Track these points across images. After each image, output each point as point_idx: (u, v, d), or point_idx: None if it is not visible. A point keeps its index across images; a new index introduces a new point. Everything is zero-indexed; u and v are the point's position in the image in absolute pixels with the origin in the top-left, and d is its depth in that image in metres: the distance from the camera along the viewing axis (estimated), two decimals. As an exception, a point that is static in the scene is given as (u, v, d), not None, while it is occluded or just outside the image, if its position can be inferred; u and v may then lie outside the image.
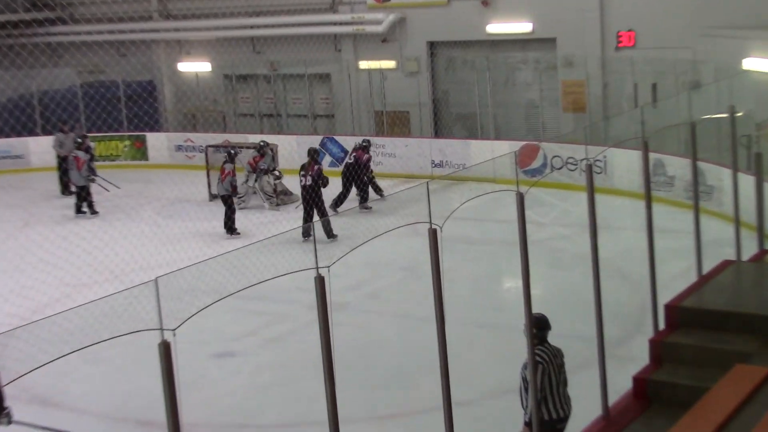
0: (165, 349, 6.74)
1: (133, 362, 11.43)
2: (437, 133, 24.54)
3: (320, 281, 6.82)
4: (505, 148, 20.07)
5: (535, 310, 7.53)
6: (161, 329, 7.65)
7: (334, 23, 25.94)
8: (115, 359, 11.64)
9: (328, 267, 7.36)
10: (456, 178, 18.78)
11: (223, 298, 9.27)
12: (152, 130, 27.35)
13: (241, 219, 18.32)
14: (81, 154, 20.31)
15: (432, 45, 24.80)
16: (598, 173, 18.68)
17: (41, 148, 25.28)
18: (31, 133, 27.13)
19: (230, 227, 17.70)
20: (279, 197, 20.20)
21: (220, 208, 19.05)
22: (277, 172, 20.45)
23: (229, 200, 17.88)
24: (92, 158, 21.30)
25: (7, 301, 13.90)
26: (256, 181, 20.23)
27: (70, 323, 10.42)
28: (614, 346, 9.90)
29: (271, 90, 27.73)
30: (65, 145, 22.33)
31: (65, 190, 22.28)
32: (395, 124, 24.97)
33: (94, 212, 20.16)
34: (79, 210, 20.08)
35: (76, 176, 20.17)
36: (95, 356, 11.11)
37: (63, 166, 22.32)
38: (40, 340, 10.26)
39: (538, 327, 7.63)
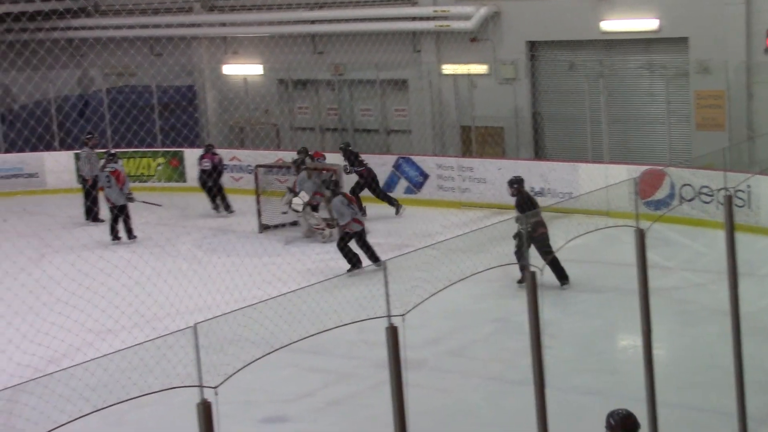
0: (205, 411, 6.91)
1: (166, 425, 11.63)
2: (538, 155, 24.52)
3: (392, 333, 6.92)
4: (623, 174, 19.95)
5: (659, 374, 7.52)
6: (200, 386, 7.84)
7: (413, 18, 26.15)
8: (145, 422, 11.85)
9: (403, 315, 7.47)
10: (561, 210, 18.74)
11: (274, 351, 9.43)
12: (191, 145, 27.83)
13: (295, 254, 18.56)
14: (119, 166, 21.04)
15: (532, 45, 24.84)
16: (740, 207, 18.48)
17: (59, 166, 25.94)
18: (48, 147, 27.84)
19: None
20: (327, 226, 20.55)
21: (269, 241, 19.35)
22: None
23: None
24: None
25: (19, 348, 14.26)
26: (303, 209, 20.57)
27: (91, 377, 10.68)
28: (759, 424, 9.78)
29: (335, 99, 28.02)
30: (91, 163, 22.86)
31: (89, 215, 22.82)
32: (486, 142, 25.02)
33: (132, 237, 20.74)
34: (116, 235, 20.74)
35: (116, 195, 20.82)
36: (120, 417, 11.35)
37: (87, 187, 22.88)
38: (56, 396, 10.55)
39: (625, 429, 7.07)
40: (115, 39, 29.61)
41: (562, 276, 16.19)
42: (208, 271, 18.28)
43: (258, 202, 21.57)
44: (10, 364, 13.78)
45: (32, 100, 29.61)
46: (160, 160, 26.84)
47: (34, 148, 27.52)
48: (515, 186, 17.33)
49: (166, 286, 16.95)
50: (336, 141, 27.79)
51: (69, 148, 27.53)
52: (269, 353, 9.33)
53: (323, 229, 20.58)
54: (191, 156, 26.39)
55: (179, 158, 26.66)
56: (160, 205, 20.74)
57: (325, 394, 12.97)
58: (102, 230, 21.47)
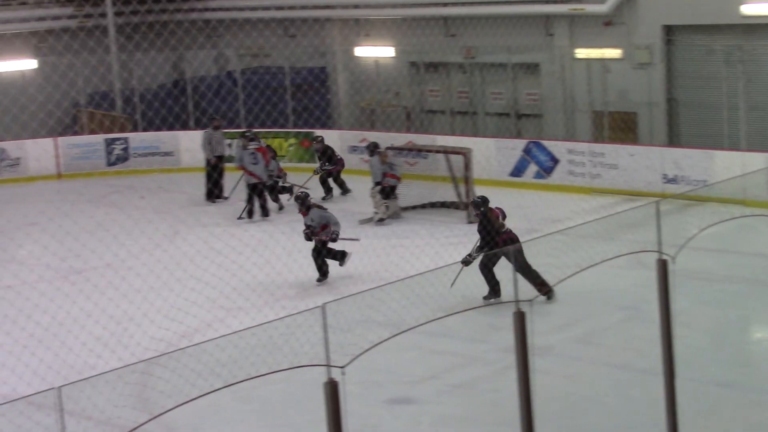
0: (331, 390, 6.98)
1: (293, 403, 11.79)
2: (672, 141, 24.10)
3: (520, 318, 6.90)
4: (760, 162, 19.48)
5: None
6: (328, 366, 7.92)
7: (546, 1, 25.94)
8: (272, 398, 12.04)
9: (530, 301, 7.43)
10: (695, 198, 18.40)
11: (401, 333, 9.48)
12: (323, 126, 28.10)
13: (424, 237, 18.58)
14: (263, 144, 21.57)
15: (669, 30, 24.38)
16: None
17: (194, 145, 26.45)
18: (184, 126, 28.44)
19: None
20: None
21: (402, 224, 19.46)
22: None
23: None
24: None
25: (153, 322, 14.63)
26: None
27: (222, 353, 10.90)
28: None
29: (466, 82, 27.98)
30: (216, 145, 23.20)
31: (209, 197, 23.18)
32: (618, 127, 24.69)
33: (266, 214, 21.37)
34: (250, 212, 21.40)
35: (262, 171, 21.37)
36: (249, 393, 11.56)
37: (208, 168, 23.25)
38: (188, 371, 10.79)
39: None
40: (251, 20, 30.05)
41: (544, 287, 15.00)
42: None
43: (387, 184, 21.65)
44: (145, 337, 14.15)
45: (170, 79, 30.31)
46: (292, 140, 27.14)
47: (171, 127, 28.16)
48: (481, 209, 15.55)
49: (296, 266, 17.17)
50: (467, 124, 27.77)
51: (204, 127, 28.03)
52: (396, 335, 9.39)
53: (375, 214, 20.74)
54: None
55: (310, 139, 26.91)
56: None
57: (451, 377, 12.99)
58: (235, 208, 21.82)
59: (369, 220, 20.70)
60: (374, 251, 18.35)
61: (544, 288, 14.06)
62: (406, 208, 21.45)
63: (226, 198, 23.05)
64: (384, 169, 21.07)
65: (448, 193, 21.47)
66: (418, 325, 9.91)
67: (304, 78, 29.31)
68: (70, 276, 17.17)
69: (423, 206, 21.49)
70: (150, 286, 16.25)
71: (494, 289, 14.97)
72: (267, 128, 27.54)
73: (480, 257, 15.05)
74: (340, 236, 17.09)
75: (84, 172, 26.86)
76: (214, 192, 23.19)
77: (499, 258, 14.82)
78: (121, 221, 20.88)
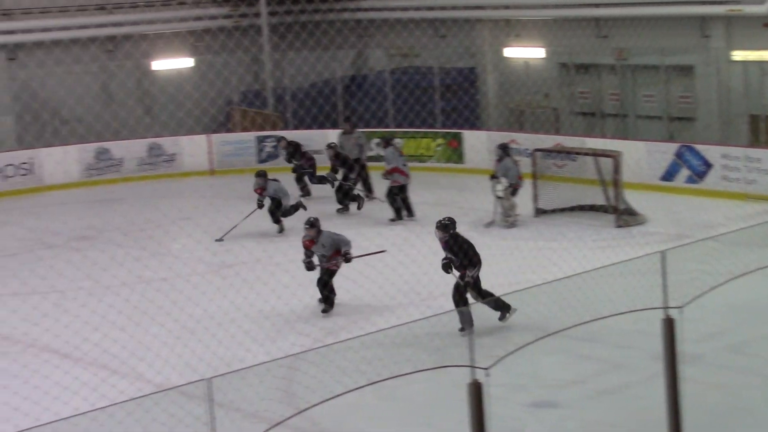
0: (475, 391, 6.98)
1: (436, 403, 11.81)
2: (835, 147, 23.34)
3: (669, 325, 6.78)
4: None
5: None
6: (472, 366, 7.91)
7: (702, 2, 25.39)
8: (415, 397, 12.08)
9: (680, 308, 7.30)
10: None
11: (547, 337, 9.41)
12: (471, 127, 28.08)
13: (572, 240, 18.40)
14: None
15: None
16: None
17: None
18: (334, 125, 28.78)
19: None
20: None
21: (549, 227, 19.31)
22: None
23: None
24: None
25: (300, 318, 14.86)
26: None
27: (367, 351, 10.99)
28: None
29: (617, 84, 27.60)
30: (346, 149, 23.31)
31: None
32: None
33: (411, 215, 21.30)
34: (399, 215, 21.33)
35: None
36: (392, 392, 11.62)
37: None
38: (333, 367, 10.90)
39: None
40: (401, 20, 30.25)
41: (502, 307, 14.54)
42: (483, 253, 18.37)
43: (535, 186, 21.50)
44: (292, 333, 14.37)
45: (321, 78, 30.70)
46: (440, 140, 27.18)
47: (321, 126, 28.53)
48: (450, 231, 14.71)
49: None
50: (617, 126, 27.40)
51: (353, 126, 28.36)
52: (541, 338, 9.33)
53: (509, 216, 20.38)
54: (470, 138, 26.60)
55: (458, 139, 26.93)
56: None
57: (597, 383, 12.83)
58: (381, 208, 21.95)
59: (492, 223, 20.44)
60: (520, 253, 18.26)
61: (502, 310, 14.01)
62: (553, 211, 21.26)
63: (373, 198, 23.12)
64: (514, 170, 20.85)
65: (596, 197, 21.20)
66: (563, 329, 9.83)
67: (453, 78, 29.33)
68: (222, 270, 17.56)
69: (571, 209, 21.26)
70: (298, 282, 16.47)
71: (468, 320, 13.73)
72: (415, 128, 27.66)
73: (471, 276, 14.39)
74: (360, 254, 16.14)
75: (236, 169, 27.39)
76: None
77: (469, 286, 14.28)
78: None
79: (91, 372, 13.42)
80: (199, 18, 30.92)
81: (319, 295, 15.55)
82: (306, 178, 23.74)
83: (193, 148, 27.77)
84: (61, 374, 13.21)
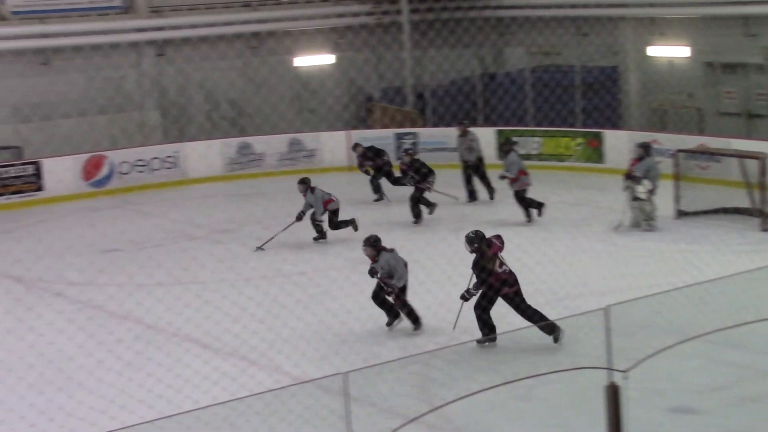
0: (612, 394, 6.90)
1: (572, 405, 11.70)
2: None
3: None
4: None
5: None
6: (609, 369, 7.83)
7: None
8: (551, 398, 11.98)
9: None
10: None
11: (687, 341, 9.24)
12: (612, 126, 27.72)
13: (715, 242, 18.02)
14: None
15: None
16: None
17: (483, 141, 26.69)
18: (473, 123, 28.74)
19: None
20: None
21: (691, 229, 18.97)
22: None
23: None
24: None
25: (436, 316, 14.86)
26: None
27: (504, 350, 10.91)
28: None
29: (765, 83, 26.90)
30: (462, 149, 23.18)
31: (471, 197, 23.19)
32: None
33: (541, 213, 21.01)
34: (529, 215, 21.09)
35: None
36: (527, 392, 11.55)
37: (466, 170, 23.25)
38: (469, 365, 10.90)
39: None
40: (543, 18, 30.04)
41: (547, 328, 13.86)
42: (623, 254, 18.16)
43: (676, 187, 21.09)
44: (428, 329, 14.40)
45: (461, 76, 30.69)
46: (580, 140, 26.89)
47: (461, 123, 28.50)
48: (475, 245, 13.82)
49: (580, 266, 17.02)
50: (765, 127, 26.69)
51: (492, 124, 28.28)
52: (682, 342, 9.18)
53: (650, 219, 19.84)
54: (611, 137, 26.24)
55: (599, 139, 26.60)
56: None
57: (740, 390, 12.50)
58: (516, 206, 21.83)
59: (621, 226, 20.02)
60: (660, 255, 17.96)
61: (547, 328, 13.34)
62: (695, 213, 20.82)
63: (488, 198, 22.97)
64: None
65: (741, 200, 20.68)
66: (705, 334, 9.65)
67: (595, 77, 28.98)
68: (359, 266, 17.67)
69: (714, 211, 20.79)
70: (434, 279, 16.50)
71: (486, 332, 13.56)
72: (555, 127, 27.43)
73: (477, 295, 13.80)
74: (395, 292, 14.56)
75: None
76: (473, 191, 23.15)
77: (494, 301, 13.73)
78: (408, 215, 21.28)
79: (231, 363, 13.68)
80: (341, 15, 31.21)
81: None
82: (380, 182, 23.84)
83: (333, 144, 28.05)
84: (202, 364, 13.52)
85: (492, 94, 29.90)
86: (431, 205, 21.47)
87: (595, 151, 26.53)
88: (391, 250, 14.73)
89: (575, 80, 28.66)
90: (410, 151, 22.54)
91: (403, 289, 14.58)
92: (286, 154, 27.88)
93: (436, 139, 27.86)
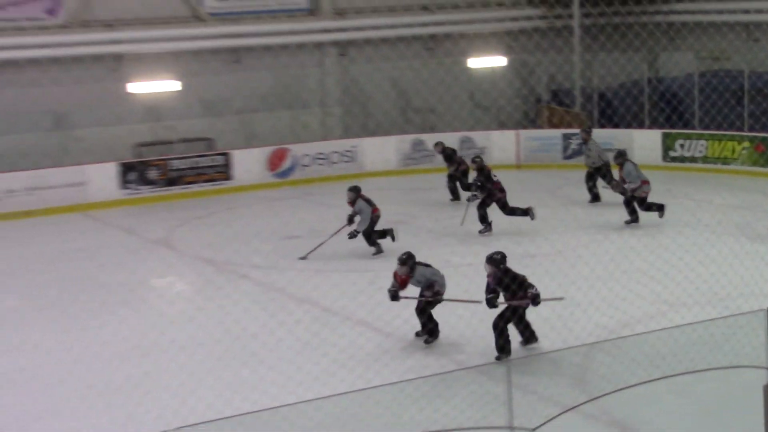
0: (770, 394, 6.76)
1: (730, 403, 11.45)
2: None
3: None
4: None
5: None
6: (768, 369, 7.65)
7: None
8: (709, 395, 11.75)
9: None
10: None
11: None
12: (778, 131, 26.91)
13: None
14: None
15: None
16: None
17: (649, 143, 26.27)
18: (641, 125, 28.32)
19: None
20: None
21: None
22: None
23: None
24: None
25: (598, 310, 14.75)
26: None
27: (663, 345, 10.80)
28: None
29: None
30: (587, 154, 22.69)
31: (594, 199, 22.64)
32: None
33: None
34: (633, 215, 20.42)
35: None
36: (685, 388, 11.37)
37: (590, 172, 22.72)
38: (628, 359, 10.80)
39: None
40: (714, 24, 29.32)
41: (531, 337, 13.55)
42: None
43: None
44: (589, 323, 14.28)
45: (630, 79, 30.23)
46: (746, 144, 26.16)
47: (628, 125, 28.11)
48: (501, 266, 13.20)
49: (742, 267, 16.59)
50: None
51: (659, 127, 27.81)
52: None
53: None
54: (779, 142, 25.50)
55: (765, 144, 25.82)
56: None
57: None
58: (684, 209, 21.41)
59: None
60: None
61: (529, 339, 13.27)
62: None
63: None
64: None
65: None
66: None
67: (765, 82, 28.13)
68: (524, 259, 17.63)
69: None
70: (597, 274, 16.37)
71: (504, 348, 13.05)
72: (722, 131, 26.75)
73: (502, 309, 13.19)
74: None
75: (541, 164, 27.47)
76: (594, 193, 22.57)
77: (516, 316, 13.19)
78: (575, 212, 21.11)
79: (399, 347, 13.85)
80: (514, 19, 31.13)
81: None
82: (458, 184, 23.66)
83: (503, 143, 28.03)
84: (373, 346, 13.74)
85: (660, 97, 29.35)
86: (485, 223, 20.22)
87: (762, 156, 25.76)
88: (428, 266, 14.34)
89: (744, 85, 27.87)
90: (477, 159, 21.12)
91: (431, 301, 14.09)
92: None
93: (603, 140, 27.50)
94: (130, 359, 13.65)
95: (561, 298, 14.09)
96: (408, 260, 14.13)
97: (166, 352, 13.85)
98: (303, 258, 18.89)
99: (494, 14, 31.10)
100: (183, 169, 25.96)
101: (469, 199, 20.60)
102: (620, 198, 20.39)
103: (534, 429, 7.97)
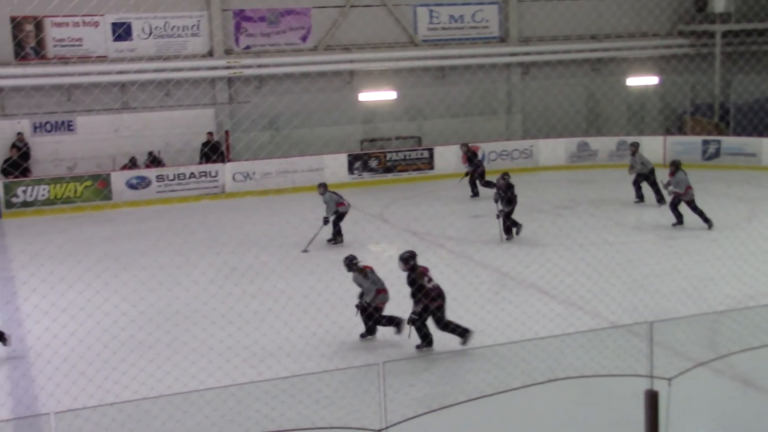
0: None
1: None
2: None
3: None
4: None
5: None
6: None
7: None
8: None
9: None
10: None
11: None
12: None
13: None
14: None
15: None
16: None
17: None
18: (770, 133, 26.83)
19: None
20: None
21: None
22: None
23: None
24: None
25: (729, 284, 14.12)
26: None
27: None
28: None
29: None
30: (633, 166, 21.36)
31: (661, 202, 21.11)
32: None
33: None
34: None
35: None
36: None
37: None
38: (753, 325, 10.25)
39: None
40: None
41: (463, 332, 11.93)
42: None
43: None
44: (720, 294, 13.67)
45: (765, 95, 28.70)
46: None
47: (760, 134, 26.66)
48: (410, 264, 11.85)
49: None
50: None
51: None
52: None
53: None
54: None
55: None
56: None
57: None
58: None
59: None
60: None
61: (463, 336, 11.80)
62: None
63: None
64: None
65: None
66: None
67: None
68: (669, 240, 17.01)
69: None
70: (729, 255, 15.63)
71: (428, 340, 11.83)
72: None
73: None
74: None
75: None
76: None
77: (430, 314, 11.80)
78: (709, 202, 20.17)
79: (563, 306, 13.65)
80: (667, 47, 29.98)
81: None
82: (477, 182, 22.75)
83: (653, 146, 27.04)
84: (542, 305, 13.59)
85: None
86: (517, 225, 18.28)
87: None
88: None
89: None
90: (506, 176, 18.47)
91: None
92: (614, 152, 27.19)
93: (736, 146, 26.25)
94: (348, 306, 13.89)
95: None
96: (349, 264, 12.58)
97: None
98: (305, 251, 17.61)
99: (650, 42, 30.00)
100: (396, 160, 26.28)
101: (498, 216, 18.25)
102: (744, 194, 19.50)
103: (670, 378, 7.70)
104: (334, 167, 25.61)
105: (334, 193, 18.36)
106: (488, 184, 22.07)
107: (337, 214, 18.13)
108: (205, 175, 24.58)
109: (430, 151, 26.69)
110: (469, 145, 24.17)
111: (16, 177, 23.19)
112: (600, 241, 17.74)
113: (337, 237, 18.25)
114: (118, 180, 23.87)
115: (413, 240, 18.52)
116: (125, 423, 8.61)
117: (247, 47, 26.64)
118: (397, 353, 11.75)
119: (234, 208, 22.91)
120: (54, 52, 24.63)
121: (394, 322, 12.39)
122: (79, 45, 24.86)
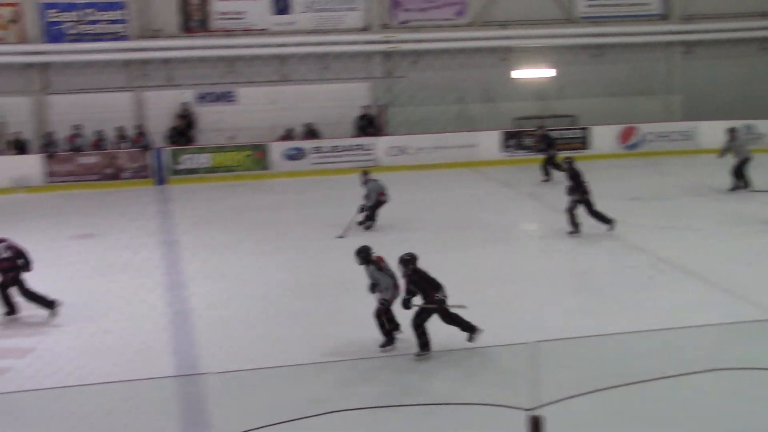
0: None
1: None
2: None
3: None
4: None
5: None
6: None
7: None
8: None
9: None
10: None
11: None
12: None
13: None
14: None
15: None
16: None
17: None
18: None
19: None
20: None
21: None
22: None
23: None
24: None
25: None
26: None
27: None
28: None
29: None
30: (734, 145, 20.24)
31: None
32: None
33: None
34: None
35: None
36: None
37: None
38: None
39: None
40: None
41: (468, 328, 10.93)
42: None
43: None
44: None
45: None
46: None
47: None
48: (410, 266, 10.84)
49: None
50: None
51: None
52: None
53: None
54: None
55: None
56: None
57: None
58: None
59: None
60: None
61: (471, 331, 10.83)
62: None
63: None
64: None
65: None
66: None
67: None
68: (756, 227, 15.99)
69: None
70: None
71: (426, 345, 10.72)
72: None
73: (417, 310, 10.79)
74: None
75: None
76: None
77: (432, 314, 10.76)
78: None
79: (722, 294, 13.06)
80: None
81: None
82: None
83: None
84: (700, 292, 13.09)
85: None
86: (606, 221, 16.84)
87: None
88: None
89: None
90: (569, 160, 17.27)
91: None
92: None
93: None
94: (499, 282, 13.80)
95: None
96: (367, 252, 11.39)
97: (529, 279, 13.95)
98: (341, 237, 16.71)
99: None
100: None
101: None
102: None
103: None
104: (487, 144, 25.51)
105: (377, 181, 17.60)
106: (559, 168, 20.58)
107: (377, 201, 17.44)
108: (360, 148, 24.97)
109: (586, 130, 26.15)
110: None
111: (181, 145, 24.30)
112: (766, 228, 16.91)
113: (367, 221, 17.40)
114: (276, 151, 24.60)
115: (563, 219, 18.19)
116: (279, 386, 8.87)
117: (404, 22, 26.78)
118: (545, 335, 11.65)
119: (387, 181, 23.16)
120: (218, 24, 25.54)
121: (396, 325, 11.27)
122: (242, 18, 25.67)
